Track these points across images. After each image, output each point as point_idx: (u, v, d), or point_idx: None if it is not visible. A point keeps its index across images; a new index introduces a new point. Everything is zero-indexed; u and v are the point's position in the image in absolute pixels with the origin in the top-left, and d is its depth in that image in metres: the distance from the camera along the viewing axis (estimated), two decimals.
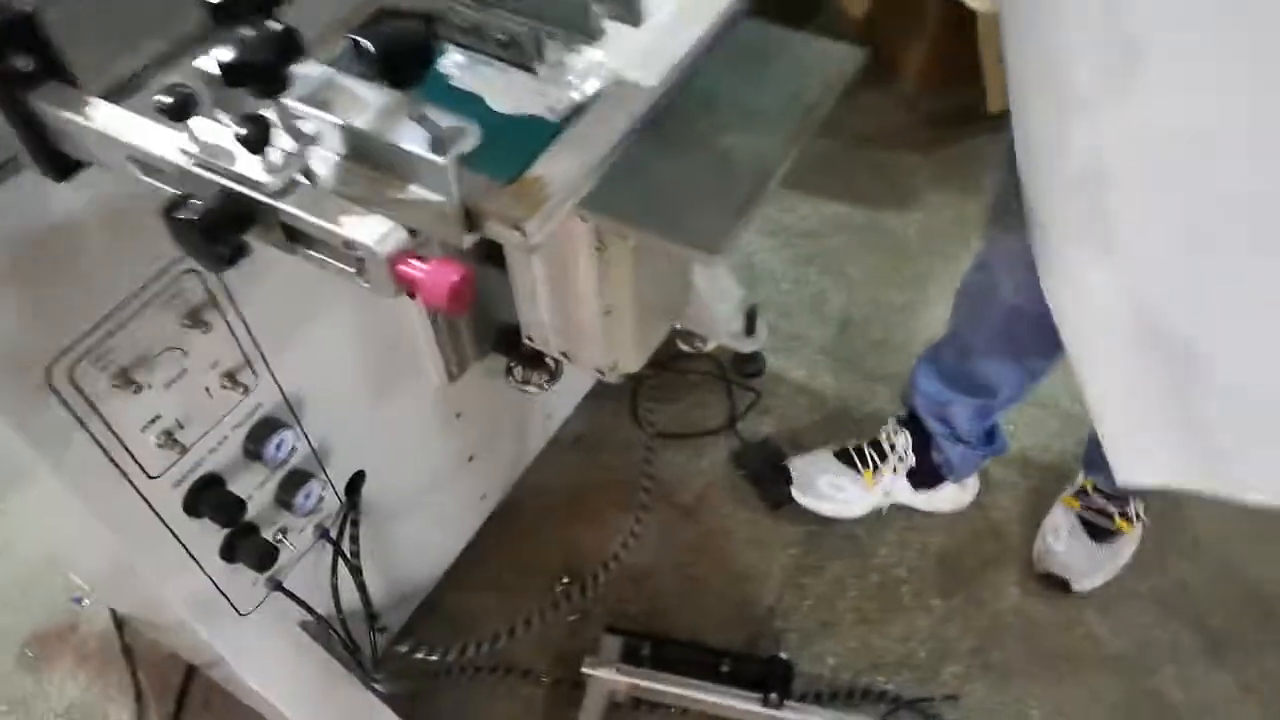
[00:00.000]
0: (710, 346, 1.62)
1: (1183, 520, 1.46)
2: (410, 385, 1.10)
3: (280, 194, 0.46)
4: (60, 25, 0.51)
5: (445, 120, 0.48)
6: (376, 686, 1.12)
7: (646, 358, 0.97)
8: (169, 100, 0.45)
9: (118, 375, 0.73)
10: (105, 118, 0.50)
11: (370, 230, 0.44)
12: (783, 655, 1.29)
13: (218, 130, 0.47)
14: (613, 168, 0.57)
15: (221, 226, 0.46)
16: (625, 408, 1.60)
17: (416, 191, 0.49)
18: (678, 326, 1.49)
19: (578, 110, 0.58)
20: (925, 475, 1.43)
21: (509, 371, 1.19)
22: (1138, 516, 1.41)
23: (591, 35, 0.54)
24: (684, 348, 1.61)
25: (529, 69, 0.58)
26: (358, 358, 0.99)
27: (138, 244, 0.70)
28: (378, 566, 1.19)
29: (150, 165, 0.49)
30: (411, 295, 0.44)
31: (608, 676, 1.26)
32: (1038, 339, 1.19)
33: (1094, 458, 1.40)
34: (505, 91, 0.60)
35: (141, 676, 1.36)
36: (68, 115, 0.50)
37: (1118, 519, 1.40)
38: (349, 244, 0.45)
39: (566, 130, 0.56)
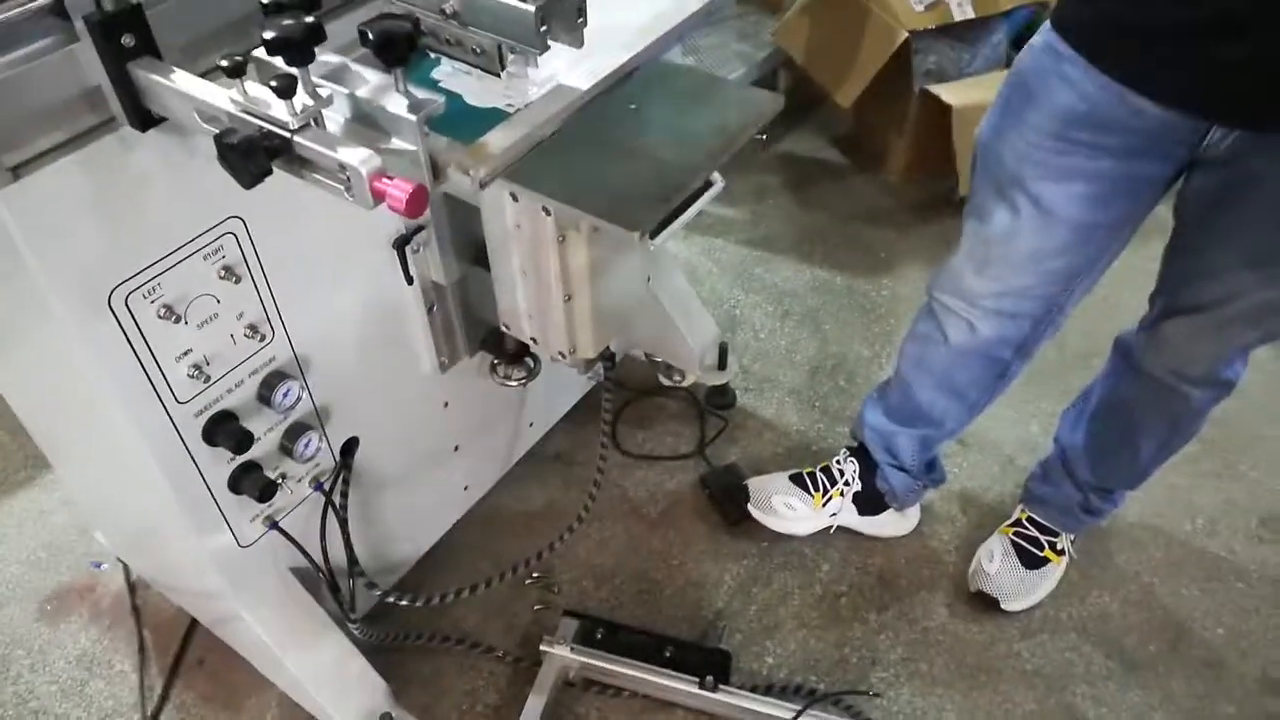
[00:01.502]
0: (687, 382, 1.79)
1: (1107, 555, 1.59)
2: (405, 368, 1.28)
3: (298, 131, 0.64)
4: (156, 14, 0.71)
5: (421, 94, 0.67)
6: (355, 634, 1.27)
7: (602, 346, 1.13)
8: (228, 62, 0.64)
9: (163, 308, 0.92)
10: (181, 80, 0.69)
11: (356, 156, 0.63)
12: (724, 648, 1.41)
13: (259, 88, 0.66)
14: (567, 169, 0.75)
15: (254, 151, 0.64)
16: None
17: (397, 143, 0.68)
18: (657, 359, 1.66)
19: (529, 105, 0.78)
20: (870, 501, 1.58)
21: (494, 369, 1.37)
22: (1065, 551, 1.54)
23: (540, 49, 0.73)
24: (664, 381, 1.77)
25: (495, 74, 0.78)
26: (360, 333, 1.17)
27: (193, 203, 0.90)
28: (365, 533, 1.35)
29: (208, 113, 0.68)
30: (380, 199, 0.62)
31: (562, 654, 1.39)
32: (980, 375, 1.35)
33: (1033, 492, 1.54)
34: (478, 90, 0.80)
35: (146, 634, 1.51)
36: (155, 78, 0.70)
37: (1048, 549, 1.52)
38: (341, 165, 0.63)
39: (515, 115, 0.75)
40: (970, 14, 2.41)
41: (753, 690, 1.38)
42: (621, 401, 1.81)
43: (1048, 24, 1.06)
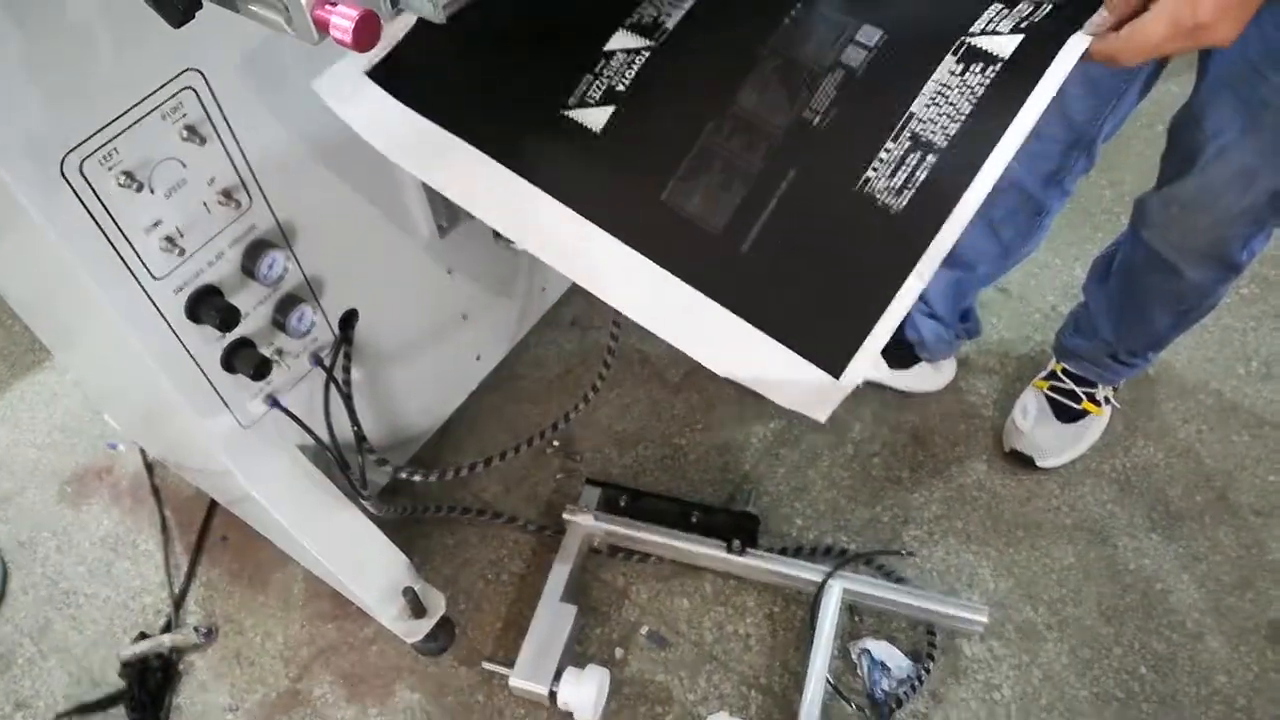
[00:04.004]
0: None
1: (1154, 404, 1.51)
2: (401, 235, 1.19)
3: None
4: None
5: None
6: (369, 509, 1.24)
7: None
8: None
9: (124, 175, 0.84)
10: None
11: None
12: (751, 510, 1.37)
13: None
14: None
15: None
16: None
17: None
18: None
19: None
20: (899, 353, 1.50)
21: (497, 234, 1.28)
22: (1107, 400, 1.46)
23: None
24: None
25: None
26: (349, 197, 1.08)
27: (143, 56, 0.80)
28: (375, 409, 1.30)
29: None
30: (324, 32, 0.53)
31: (586, 523, 1.36)
32: (1014, 210, 1.24)
33: (1065, 343, 1.45)
34: None
35: (168, 513, 1.50)
36: None
37: (1085, 401, 1.45)
38: None
39: None
40: None
41: (781, 553, 1.35)
42: None
43: None
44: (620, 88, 0.79)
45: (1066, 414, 1.44)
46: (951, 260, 1.35)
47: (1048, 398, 1.46)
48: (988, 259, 1.33)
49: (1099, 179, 1.72)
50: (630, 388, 1.58)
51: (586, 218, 0.78)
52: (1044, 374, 1.49)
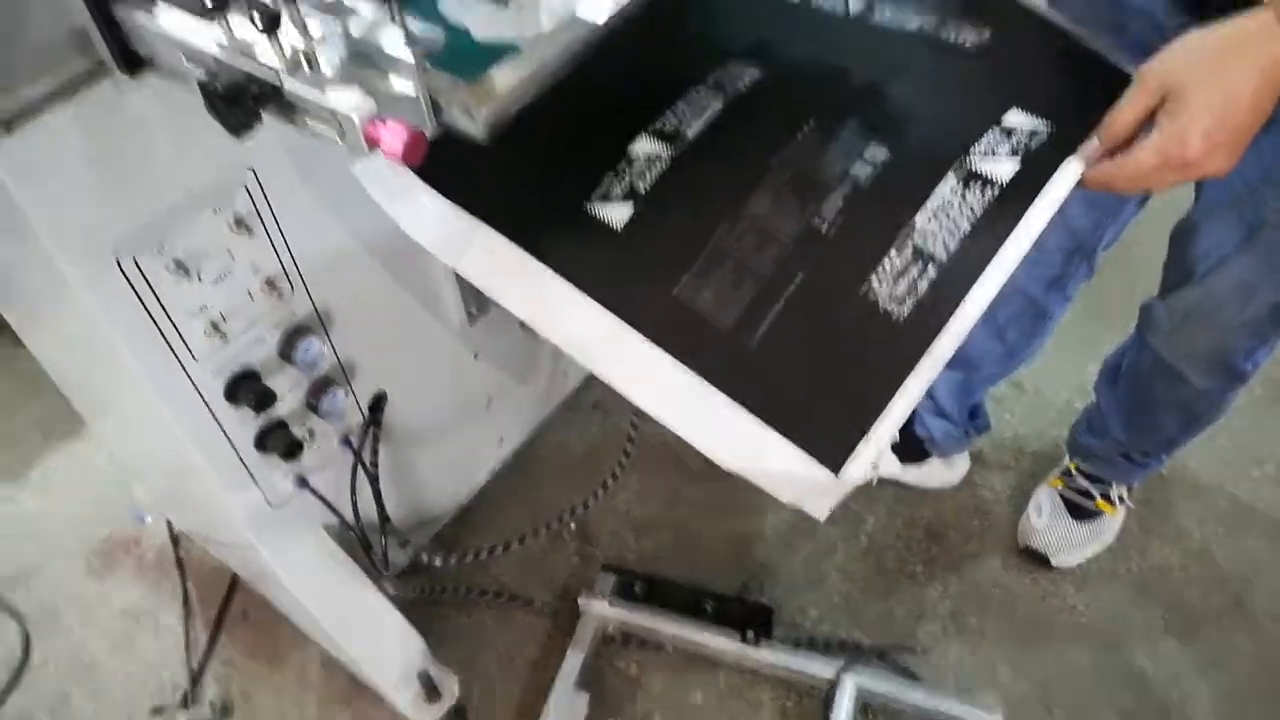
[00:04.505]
0: None
1: (1168, 505, 1.52)
2: (432, 320, 1.24)
3: (286, 75, 0.60)
4: None
5: (419, 29, 0.61)
6: (388, 590, 1.25)
7: None
8: None
9: (174, 264, 0.89)
10: (164, 19, 0.65)
11: (348, 101, 0.58)
12: (766, 602, 1.38)
13: (246, 26, 0.61)
14: None
15: (241, 98, 0.60)
16: None
17: (395, 82, 0.63)
18: None
19: (540, 37, 0.72)
20: (910, 449, 1.52)
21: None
22: (1121, 500, 1.47)
23: None
24: None
25: (504, 3, 0.72)
26: (384, 285, 1.13)
27: (198, 153, 0.86)
28: (398, 488, 1.33)
29: (194, 54, 0.63)
30: (374, 146, 0.58)
31: (600, 610, 1.37)
32: (1017, 314, 1.28)
33: (1079, 441, 1.46)
34: (485, 22, 0.74)
35: (190, 587, 1.52)
36: (139, 16, 0.65)
37: (1099, 500, 1.46)
38: (332, 112, 0.58)
39: (523, 50, 0.69)
40: None
41: (795, 645, 1.35)
42: None
43: None
44: (641, 188, 0.83)
45: (1081, 513, 1.45)
46: (957, 360, 1.38)
47: (1062, 496, 1.47)
48: (992, 359, 1.36)
49: (1112, 276, 1.75)
50: (649, 473, 1.60)
51: (603, 306, 0.81)
52: (1058, 471, 1.50)
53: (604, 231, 0.82)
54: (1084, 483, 1.46)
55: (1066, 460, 1.50)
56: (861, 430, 0.75)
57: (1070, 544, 1.44)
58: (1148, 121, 0.72)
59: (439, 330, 1.26)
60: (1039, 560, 1.45)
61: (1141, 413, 1.31)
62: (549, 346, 1.51)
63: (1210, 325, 1.10)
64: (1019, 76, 0.88)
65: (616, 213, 0.82)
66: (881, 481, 1.52)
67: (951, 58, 0.89)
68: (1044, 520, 1.45)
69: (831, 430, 0.76)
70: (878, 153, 0.82)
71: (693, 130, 0.85)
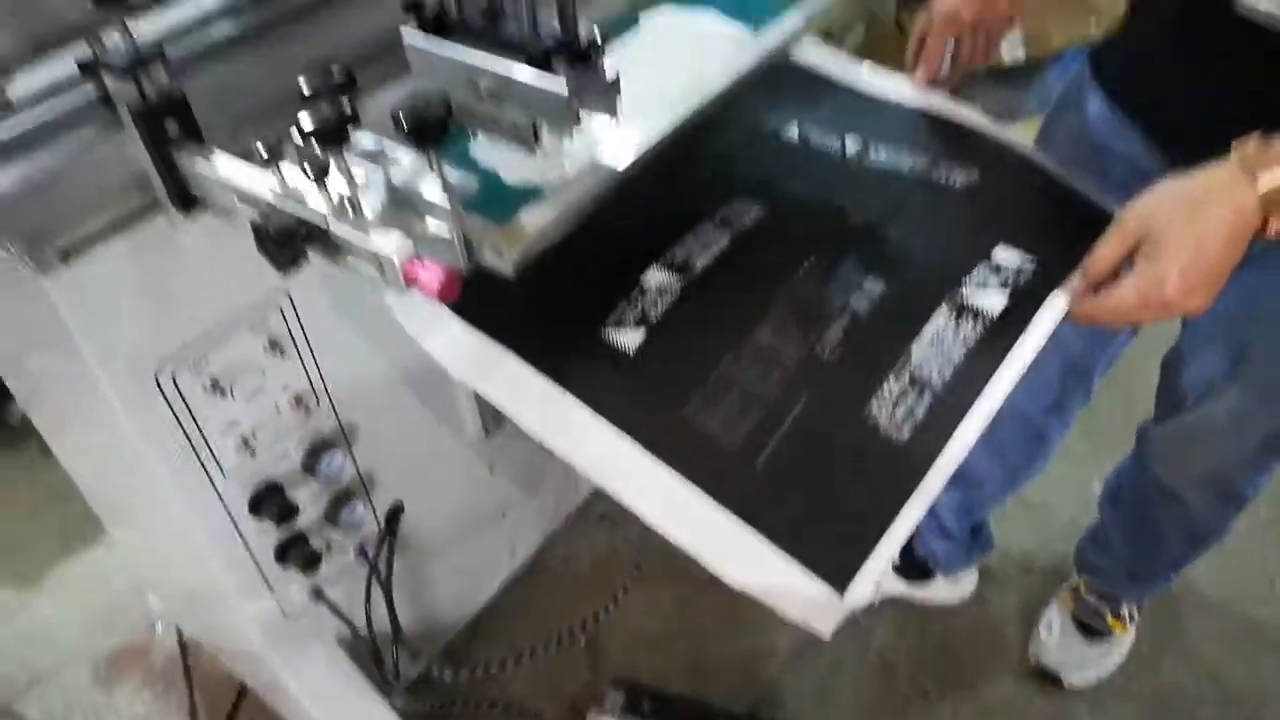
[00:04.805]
0: None
1: (1179, 623, 1.51)
2: (450, 435, 1.27)
3: (331, 219, 0.65)
4: (199, 103, 0.73)
5: (454, 176, 0.67)
6: (398, 704, 1.25)
7: None
8: (266, 146, 0.65)
9: (210, 382, 0.93)
10: (221, 165, 0.71)
11: (388, 243, 0.63)
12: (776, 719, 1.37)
13: (296, 174, 0.67)
14: None
15: (291, 240, 0.65)
16: None
17: (432, 225, 0.68)
18: None
19: (565, 181, 0.77)
20: (914, 568, 1.53)
21: None
22: (1131, 617, 1.47)
23: (574, 125, 0.73)
24: None
25: (530, 149, 0.78)
26: (405, 400, 1.17)
27: (239, 278, 0.91)
28: (410, 599, 1.34)
29: (247, 198, 0.69)
30: (412, 285, 0.62)
31: None
32: (1017, 436, 1.31)
33: (1086, 558, 1.47)
34: (513, 165, 0.80)
35: (197, 697, 1.52)
36: (197, 163, 0.71)
37: (1110, 619, 1.46)
38: (375, 254, 0.63)
39: (551, 194, 0.75)
40: (1021, 57, 2.39)
41: None
42: None
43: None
44: (653, 316, 0.88)
45: (1091, 631, 1.45)
46: (958, 479, 1.40)
47: (1072, 615, 1.47)
48: (993, 479, 1.39)
49: (1113, 393, 1.78)
50: (658, 586, 1.61)
51: (615, 426, 0.84)
52: (1067, 588, 1.51)
53: (617, 356, 0.86)
54: (1094, 601, 1.46)
55: (1075, 577, 1.51)
56: (864, 550, 0.78)
57: (1082, 663, 1.43)
58: (1128, 260, 0.77)
59: (456, 445, 1.30)
60: (1050, 679, 1.44)
61: (1145, 532, 1.33)
62: (561, 461, 1.55)
63: (1206, 452, 1.12)
64: (1006, 214, 0.94)
65: (629, 339, 0.86)
66: (889, 598, 1.54)
67: (942, 197, 0.95)
68: (1055, 639, 1.45)
69: (835, 550, 0.78)
70: (875, 286, 0.87)
71: (701, 263, 0.90)
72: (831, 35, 1.11)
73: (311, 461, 1.07)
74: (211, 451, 0.96)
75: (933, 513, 1.47)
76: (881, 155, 0.98)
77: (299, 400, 1.03)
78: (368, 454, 1.14)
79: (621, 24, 0.98)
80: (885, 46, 2.25)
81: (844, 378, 0.84)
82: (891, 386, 0.82)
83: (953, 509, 1.44)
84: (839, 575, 0.78)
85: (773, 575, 0.78)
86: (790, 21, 0.94)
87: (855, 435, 0.82)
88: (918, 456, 0.80)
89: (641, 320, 0.87)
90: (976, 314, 0.83)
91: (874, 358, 0.84)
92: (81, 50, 0.77)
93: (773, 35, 0.93)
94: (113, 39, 0.71)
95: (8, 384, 1.17)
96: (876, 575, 0.77)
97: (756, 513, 0.80)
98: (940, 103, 1.04)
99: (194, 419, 0.93)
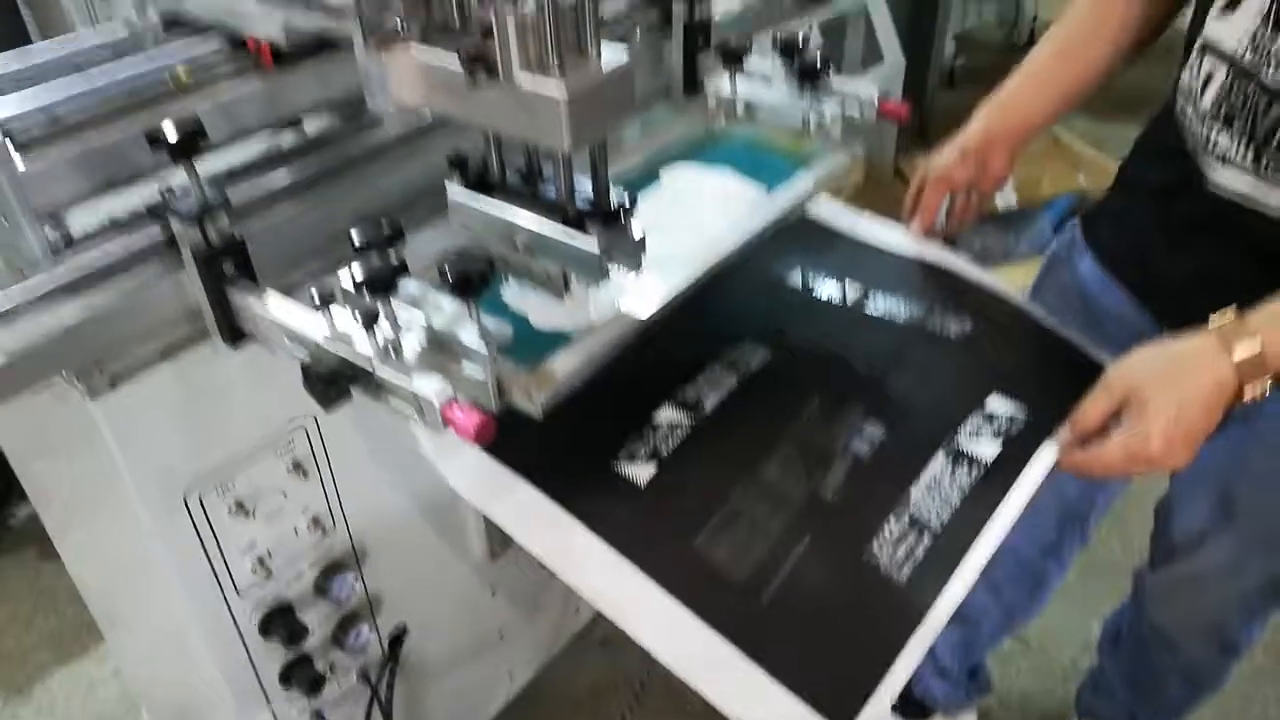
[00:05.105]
0: None
1: None
2: (455, 557, 1.29)
3: (377, 362, 0.69)
4: (255, 247, 0.78)
5: (490, 324, 0.72)
6: None
7: None
8: (317, 295, 0.70)
9: (234, 504, 0.96)
10: (273, 306, 0.76)
11: (429, 386, 0.67)
12: None
13: (345, 317, 0.71)
14: None
15: (337, 379, 0.69)
16: None
17: (468, 368, 0.72)
18: None
19: (590, 328, 0.82)
20: (912, 707, 1.52)
21: None
22: None
23: (603, 279, 0.79)
24: None
25: (559, 297, 0.83)
26: (415, 523, 1.19)
27: (270, 404, 0.95)
28: None
29: (297, 337, 0.74)
30: (450, 427, 0.66)
31: None
32: (1014, 576, 1.33)
33: (1087, 702, 1.47)
34: (542, 311, 0.85)
35: None
36: (251, 302, 0.76)
37: None
38: (415, 395, 0.67)
39: (577, 340, 0.80)
40: (1013, 203, 2.50)
41: None
42: None
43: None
44: (664, 451, 0.91)
45: None
46: (956, 617, 1.41)
47: None
48: (991, 619, 1.40)
49: (1112, 536, 1.81)
50: (659, 717, 1.59)
51: (622, 555, 0.86)
52: None
53: (629, 488, 0.90)
54: None
55: None
56: (866, 689, 0.79)
57: None
58: (1114, 416, 0.82)
59: (461, 567, 1.31)
60: None
61: (1144, 678, 1.33)
62: (563, 585, 1.56)
63: (1200, 599, 1.14)
64: (999, 364, 0.99)
65: (641, 472, 0.90)
66: None
67: (938, 346, 1.00)
68: None
69: (836, 687, 0.80)
70: (875, 431, 0.91)
71: (710, 402, 0.94)
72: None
73: (324, 583, 1.08)
74: (229, 571, 0.98)
75: (930, 651, 1.47)
76: (880, 304, 1.04)
77: (316, 521, 1.05)
78: (376, 576, 1.16)
79: (643, 180, 1.05)
80: (883, 191, 2.37)
81: (846, 518, 0.87)
82: (892, 527, 0.85)
83: (950, 647, 1.45)
84: (840, 714, 0.79)
85: (775, 710, 0.79)
86: (802, 183, 1.01)
87: (856, 575, 0.84)
88: (918, 597, 0.82)
89: (653, 455, 0.90)
90: (971, 460, 0.87)
91: (875, 500, 0.87)
92: (145, 191, 0.83)
93: (785, 196, 1.00)
94: (181, 185, 0.77)
95: (24, 482, 1.19)
96: (878, 713, 0.78)
97: (761, 647, 0.81)
98: (936, 253, 1.10)
99: (216, 539, 0.96)
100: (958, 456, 0.88)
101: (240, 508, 0.96)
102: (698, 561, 0.86)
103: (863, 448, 0.91)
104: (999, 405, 0.93)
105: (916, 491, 0.87)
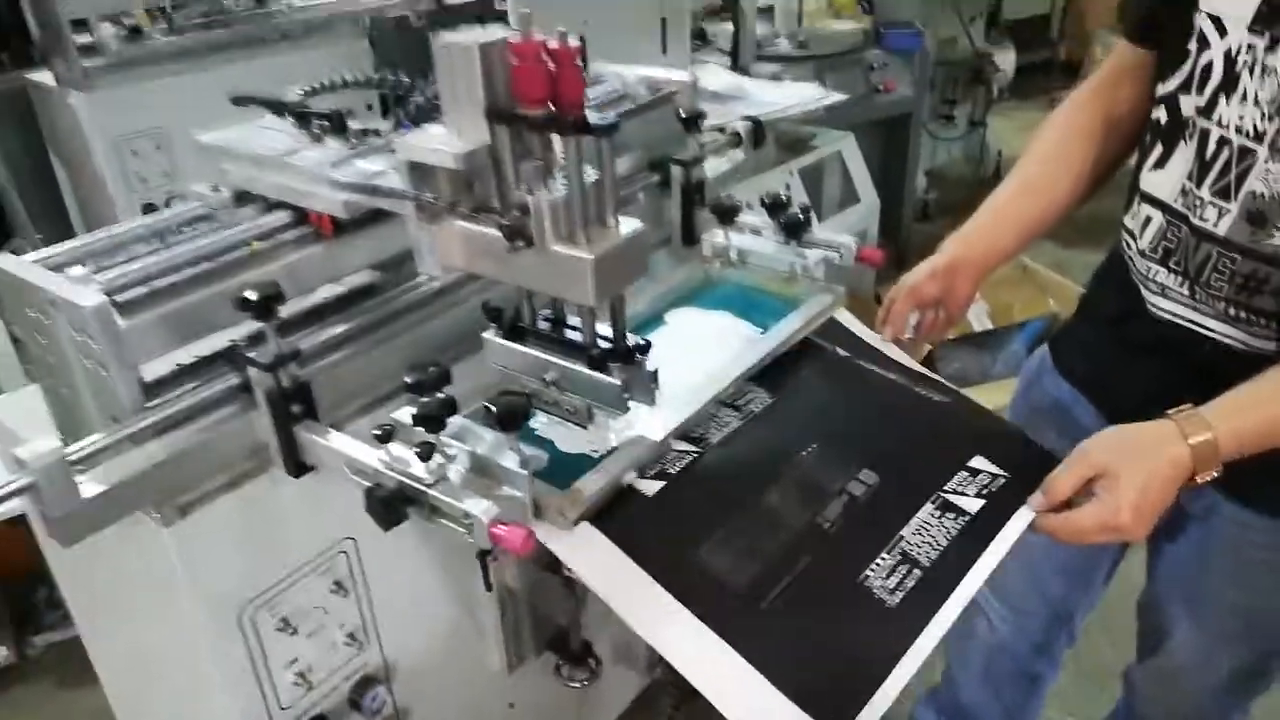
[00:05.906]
0: None
1: None
2: (477, 669, 1.36)
3: (431, 486, 0.80)
4: (318, 390, 0.90)
5: (528, 451, 0.83)
6: None
7: None
8: (380, 432, 0.82)
9: (281, 622, 1.04)
10: (337, 441, 0.87)
11: (478, 506, 0.78)
12: None
13: (401, 449, 0.83)
14: None
15: (396, 502, 0.80)
16: None
17: (507, 490, 0.83)
18: None
19: (611, 451, 0.94)
20: None
21: (558, 669, 1.44)
22: None
23: (622, 411, 0.91)
24: None
25: (583, 426, 0.95)
26: (441, 638, 1.27)
27: (318, 527, 1.05)
28: None
29: (358, 468, 0.85)
30: (496, 542, 0.77)
31: None
32: (1011, 674, 1.41)
33: None
34: (567, 438, 0.97)
35: None
36: (316, 439, 0.87)
37: None
38: (465, 514, 0.78)
39: (601, 463, 0.91)
40: (988, 325, 2.66)
41: None
42: (679, 697, 1.84)
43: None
44: (671, 471, 0.99)
45: None
46: (958, 716, 1.48)
47: None
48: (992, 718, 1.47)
49: (1101, 639, 1.87)
50: None
51: (634, 561, 0.91)
52: None
53: (639, 499, 0.95)
54: None
55: None
56: (860, 699, 0.84)
57: None
58: (1084, 489, 0.92)
59: (481, 679, 1.37)
60: None
61: None
62: (578, 695, 1.61)
63: (1182, 691, 1.22)
64: (984, 429, 1.11)
65: (648, 486, 0.96)
66: None
67: (927, 407, 1.12)
68: None
69: (833, 693, 0.85)
70: (870, 476, 1.01)
71: (715, 436, 1.03)
72: None
73: (357, 696, 1.16)
74: (274, 685, 1.06)
75: None
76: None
77: (353, 637, 1.13)
78: (405, 689, 1.23)
79: (650, 321, 1.18)
80: (867, 317, 2.52)
81: (842, 547, 0.95)
82: (885, 559, 0.94)
83: None
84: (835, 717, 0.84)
85: (770, 713, 0.83)
86: (790, 323, 1.14)
87: (851, 596, 0.91)
88: (910, 620, 0.90)
89: (660, 474, 0.98)
90: (957, 511, 0.98)
91: (870, 534, 0.96)
92: (215, 340, 0.96)
93: (776, 335, 1.13)
94: (251, 333, 0.90)
95: (65, 594, 1.26)
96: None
97: (757, 650, 0.86)
98: (908, 361, 1.22)
99: (264, 655, 1.04)
100: (945, 506, 0.98)
101: (286, 624, 1.05)
102: (700, 567, 0.91)
103: (858, 490, 1.00)
104: (982, 465, 1.04)
105: (908, 531, 0.96)
